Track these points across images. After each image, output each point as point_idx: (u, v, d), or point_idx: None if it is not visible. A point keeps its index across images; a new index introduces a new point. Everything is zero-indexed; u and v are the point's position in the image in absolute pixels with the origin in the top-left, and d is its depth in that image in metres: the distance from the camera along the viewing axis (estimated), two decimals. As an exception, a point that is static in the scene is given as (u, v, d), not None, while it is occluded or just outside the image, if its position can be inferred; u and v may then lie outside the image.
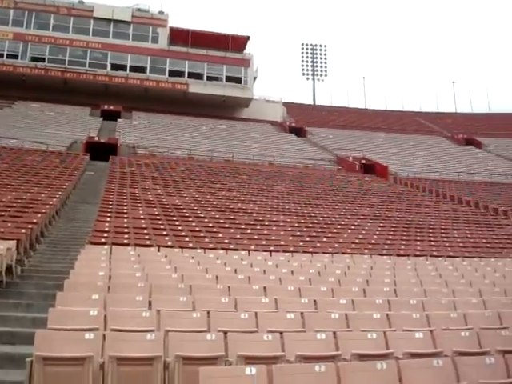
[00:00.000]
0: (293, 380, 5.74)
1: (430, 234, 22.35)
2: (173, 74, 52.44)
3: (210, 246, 16.74)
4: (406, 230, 22.89)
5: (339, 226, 22.19)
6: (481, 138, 57.78)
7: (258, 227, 20.71)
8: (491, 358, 6.70)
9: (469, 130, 61.60)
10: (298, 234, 20.37)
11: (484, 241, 22.02)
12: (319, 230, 21.23)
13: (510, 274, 15.02)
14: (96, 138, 37.91)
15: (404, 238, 21.35)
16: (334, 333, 7.56)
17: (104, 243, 15.13)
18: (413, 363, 6.44)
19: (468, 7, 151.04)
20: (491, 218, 27.92)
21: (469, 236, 22.70)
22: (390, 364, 6.19)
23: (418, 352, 7.00)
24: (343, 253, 17.55)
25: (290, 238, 19.48)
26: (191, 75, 52.84)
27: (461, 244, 20.97)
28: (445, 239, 21.67)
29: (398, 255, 18.02)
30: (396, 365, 6.22)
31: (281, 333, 7.40)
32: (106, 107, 49.66)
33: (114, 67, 51.33)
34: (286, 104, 61.99)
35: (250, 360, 6.33)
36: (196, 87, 52.35)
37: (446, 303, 10.55)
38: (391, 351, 7.03)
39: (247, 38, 55.79)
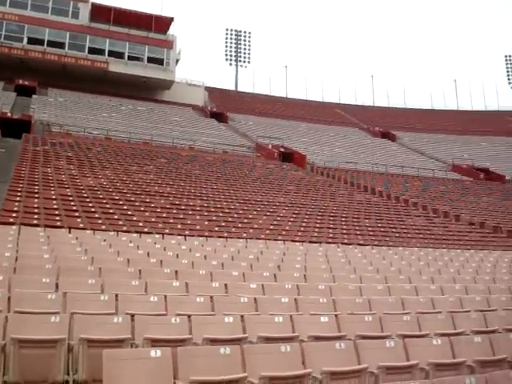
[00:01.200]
0: (198, 362, 5.80)
1: (343, 223, 23.00)
2: (93, 51, 50.79)
3: (124, 228, 16.56)
4: (319, 217, 23.41)
5: (255, 212, 22.44)
6: (396, 132, 59.73)
7: (174, 211, 20.63)
8: (391, 342, 7.02)
9: (385, 123, 63.51)
10: (214, 218, 20.47)
11: (393, 230, 22.90)
12: (235, 216, 21.40)
13: (416, 262, 15.74)
14: (9, 114, 36.24)
15: (317, 225, 21.86)
16: (242, 316, 7.68)
17: (12, 223, 14.73)
18: (316, 346, 6.66)
19: (388, 4, 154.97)
20: (402, 209, 29.02)
21: (379, 225, 23.53)
22: (294, 346, 6.38)
23: (322, 335, 7.22)
24: (257, 238, 17.80)
25: (206, 222, 19.54)
26: (112, 54, 51.39)
27: (371, 233, 21.73)
28: (356, 228, 22.39)
29: (311, 242, 18.50)
30: (299, 347, 6.42)
31: (189, 316, 7.44)
32: (20, 82, 47.41)
33: (31, 41, 49.05)
34: (207, 88, 61.70)
35: (156, 343, 6.34)
36: (116, 66, 51.06)
37: (353, 289, 10.93)
38: (296, 334, 7.22)
39: (171, 20, 54.93)
